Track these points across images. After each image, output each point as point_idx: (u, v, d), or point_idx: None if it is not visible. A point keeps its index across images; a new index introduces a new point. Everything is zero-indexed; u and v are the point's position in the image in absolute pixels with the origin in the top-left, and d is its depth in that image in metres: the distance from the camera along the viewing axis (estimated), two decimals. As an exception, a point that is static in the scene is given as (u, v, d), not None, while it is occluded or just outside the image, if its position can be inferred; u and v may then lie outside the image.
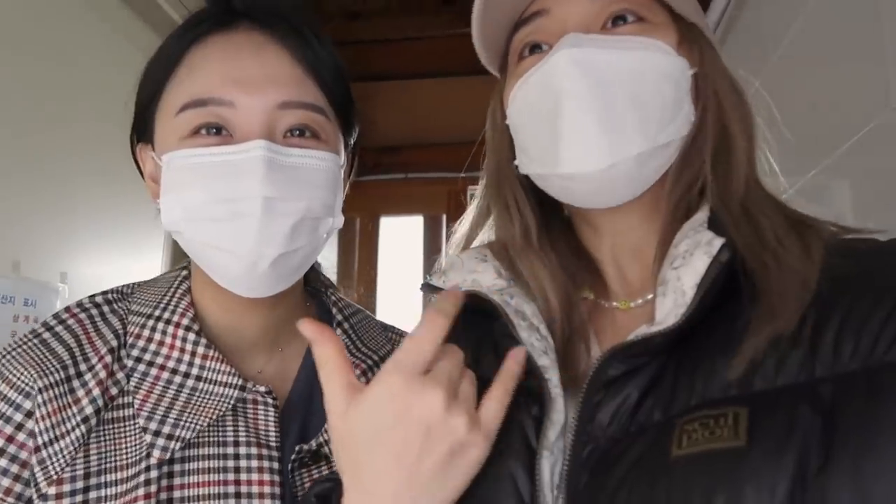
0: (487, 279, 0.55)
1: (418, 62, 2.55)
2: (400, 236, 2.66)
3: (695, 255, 0.46)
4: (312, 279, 0.76)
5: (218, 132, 0.59)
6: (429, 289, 0.58)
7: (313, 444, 0.63)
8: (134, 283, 0.70)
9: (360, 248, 2.64)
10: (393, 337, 0.77)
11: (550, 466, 0.46)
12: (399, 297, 2.57)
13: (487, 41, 0.55)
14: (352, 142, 0.69)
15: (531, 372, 0.49)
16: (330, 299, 0.74)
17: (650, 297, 0.52)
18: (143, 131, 0.65)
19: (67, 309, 0.65)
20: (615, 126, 0.49)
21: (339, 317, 0.72)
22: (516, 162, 0.56)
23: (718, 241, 0.45)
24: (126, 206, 1.33)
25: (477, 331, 0.55)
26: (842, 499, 0.36)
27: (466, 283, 0.55)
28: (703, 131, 0.52)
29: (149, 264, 1.56)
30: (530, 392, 0.48)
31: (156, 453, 0.58)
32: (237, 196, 0.57)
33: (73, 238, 1.23)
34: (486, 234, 0.61)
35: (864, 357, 0.39)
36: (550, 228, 0.58)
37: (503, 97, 0.57)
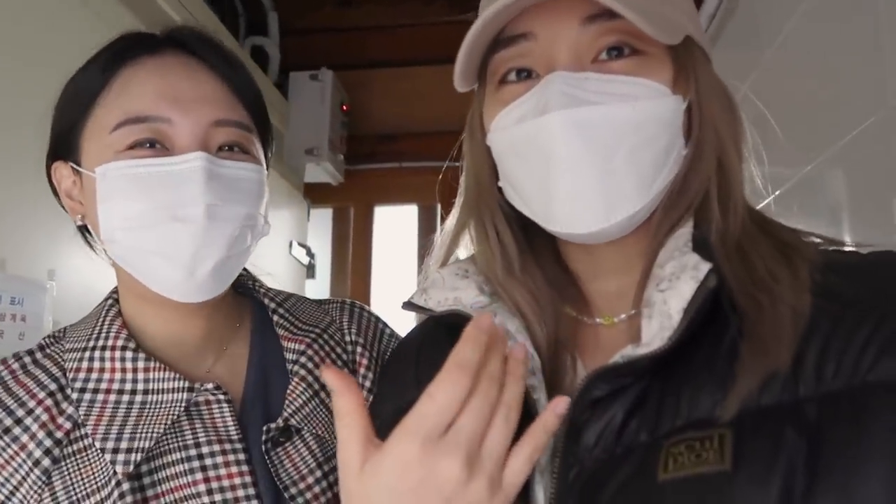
0: (469, 296, 0.54)
1: (412, 49, 2.52)
2: (394, 225, 2.65)
3: (681, 279, 0.45)
4: (238, 277, 0.76)
5: (153, 146, 0.62)
6: (411, 307, 0.57)
7: (280, 421, 0.65)
8: (64, 327, 0.72)
9: (354, 236, 2.63)
10: (328, 307, 0.79)
11: (544, 489, 0.46)
12: (393, 286, 2.57)
13: (468, 60, 0.52)
14: (269, 156, 0.73)
15: None
16: (259, 292, 0.76)
17: (633, 312, 0.52)
18: (64, 149, 0.67)
19: (3, 361, 0.66)
20: (611, 191, 0.47)
21: (273, 304, 0.75)
22: (500, 184, 0.54)
23: (705, 267, 0.45)
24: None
25: None
26: None
27: (448, 301, 0.54)
28: (698, 164, 0.50)
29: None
30: None
31: (119, 469, 0.59)
32: (179, 203, 0.60)
33: (62, 235, 1.21)
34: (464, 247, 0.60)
35: (847, 377, 0.39)
36: (533, 244, 0.56)
37: (483, 113, 0.54)
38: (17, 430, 0.61)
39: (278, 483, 0.63)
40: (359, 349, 0.75)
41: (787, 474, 0.38)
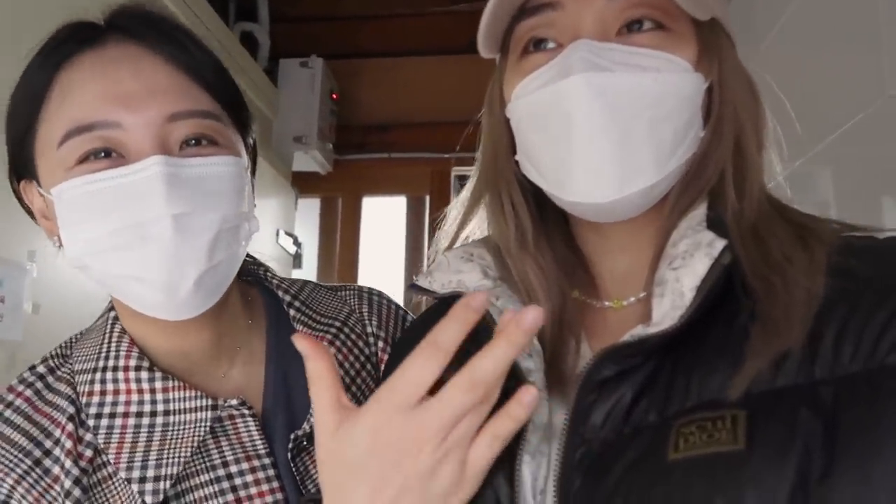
0: (473, 280, 0.54)
1: (405, 40, 2.50)
2: (383, 216, 2.64)
3: (695, 257, 0.44)
4: (244, 267, 0.72)
5: (108, 156, 0.55)
6: (416, 290, 0.56)
7: (306, 427, 0.62)
8: (70, 340, 0.67)
9: (342, 227, 2.61)
10: (344, 295, 0.75)
11: (532, 472, 0.45)
12: (381, 278, 2.55)
13: (492, 28, 0.51)
14: (251, 141, 0.66)
15: (512, 374, 0.47)
16: (272, 282, 0.71)
17: (643, 295, 0.51)
18: (22, 168, 0.60)
19: (11, 388, 0.62)
20: (628, 160, 0.47)
21: (288, 297, 0.70)
22: (517, 157, 0.54)
23: (720, 243, 0.44)
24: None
25: None
26: (846, 503, 0.36)
27: (452, 284, 0.54)
28: (716, 146, 0.50)
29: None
30: (509, 395, 0.47)
31: (148, 500, 0.56)
32: (142, 220, 0.53)
33: (42, 214, 1.19)
34: (476, 223, 0.60)
35: (864, 359, 0.39)
36: (546, 223, 0.56)
37: (503, 85, 0.54)
38: (47, 462, 0.58)
39: (303, 490, 0.61)
40: (380, 343, 0.71)
41: (802, 456, 0.37)
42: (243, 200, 0.60)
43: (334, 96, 2.46)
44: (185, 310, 0.57)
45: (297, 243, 2.46)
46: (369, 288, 0.77)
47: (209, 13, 1.94)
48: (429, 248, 0.63)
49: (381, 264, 2.58)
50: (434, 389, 0.41)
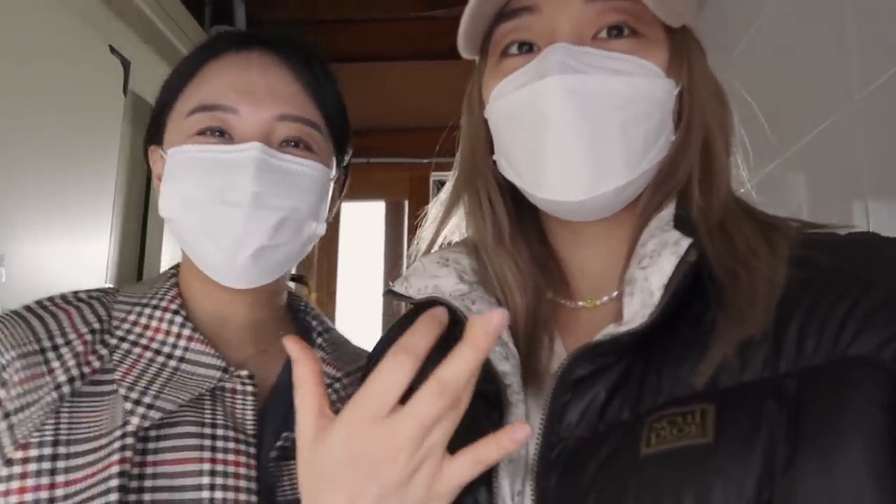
0: (449, 284, 0.54)
1: (383, 44, 2.50)
2: (361, 221, 2.63)
3: (662, 256, 0.45)
4: (289, 298, 0.80)
5: (221, 135, 0.65)
6: (392, 295, 0.57)
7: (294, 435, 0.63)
8: (118, 287, 0.73)
9: (320, 232, 2.59)
10: (363, 355, 0.79)
11: (510, 474, 0.46)
12: (359, 282, 2.54)
13: (472, 31, 0.53)
14: (345, 162, 0.76)
15: (489, 378, 0.48)
16: (310, 313, 0.78)
17: (615, 294, 0.52)
18: (155, 134, 0.71)
19: (51, 298, 0.68)
20: (600, 160, 0.48)
21: (320, 328, 0.77)
22: (494, 157, 0.55)
23: (686, 242, 0.45)
24: (72, 186, 1.26)
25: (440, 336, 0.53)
26: (809, 493, 0.37)
27: (428, 289, 0.55)
28: (685, 150, 0.51)
29: (95, 247, 1.46)
30: (487, 398, 0.47)
31: (134, 420, 0.59)
32: (230, 187, 0.63)
33: (13, 218, 1.17)
34: (455, 223, 0.61)
35: (827, 351, 0.40)
36: (522, 222, 0.57)
37: (482, 86, 0.55)
38: (50, 355, 0.62)
39: (270, 496, 0.62)
40: None
41: (767, 446, 0.38)
42: (318, 203, 0.69)
43: (312, 101, 2.45)
44: (241, 278, 0.66)
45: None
46: None
47: (184, 15, 1.92)
48: (409, 252, 0.64)
49: (360, 269, 2.57)
50: (406, 398, 0.41)
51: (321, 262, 2.56)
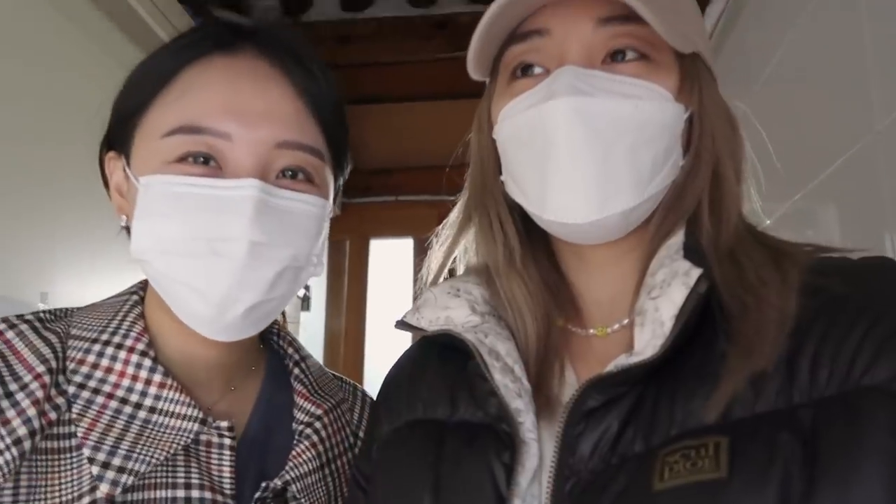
0: (461, 315, 0.54)
1: (408, 85, 2.56)
2: (390, 258, 2.65)
3: (672, 286, 0.45)
4: None
5: (206, 162, 0.55)
6: (403, 326, 0.57)
7: (278, 482, 0.59)
8: (70, 308, 0.63)
9: (349, 270, 2.63)
10: (344, 385, 0.74)
11: None
12: (388, 319, 2.55)
13: (482, 52, 0.53)
14: (341, 183, 0.67)
15: (503, 417, 0.47)
16: (286, 338, 0.70)
17: (626, 322, 0.52)
18: (118, 142, 0.60)
19: None
20: (606, 183, 0.48)
21: (297, 356, 0.69)
22: (503, 178, 0.55)
23: (696, 272, 0.45)
24: (110, 225, 1.31)
25: (452, 367, 0.54)
26: None
27: (440, 321, 0.55)
28: (695, 175, 0.51)
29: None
30: (499, 437, 0.47)
31: (104, 487, 0.51)
32: (221, 236, 0.53)
33: (54, 257, 1.22)
34: (463, 248, 0.60)
35: (840, 381, 0.39)
36: (533, 246, 0.57)
37: (491, 107, 0.55)
38: (3, 403, 0.52)
39: None
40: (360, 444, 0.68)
41: (783, 480, 0.37)
42: (317, 243, 0.60)
43: (341, 141, 2.50)
44: (228, 332, 0.57)
45: (305, 286, 2.47)
46: (364, 391, 0.75)
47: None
48: (419, 275, 0.63)
49: (389, 306, 2.58)
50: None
51: (350, 299, 2.59)
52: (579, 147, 0.47)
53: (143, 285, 0.64)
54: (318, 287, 2.60)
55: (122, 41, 1.51)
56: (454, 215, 0.61)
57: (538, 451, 0.47)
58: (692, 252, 0.47)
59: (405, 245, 2.64)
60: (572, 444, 0.45)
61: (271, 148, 0.56)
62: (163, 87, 0.57)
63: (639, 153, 0.48)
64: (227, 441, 0.58)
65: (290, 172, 0.57)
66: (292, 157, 0.57)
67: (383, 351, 2.51)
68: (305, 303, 2.50)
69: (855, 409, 0.38)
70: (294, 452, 0.61)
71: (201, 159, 0.55)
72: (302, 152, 0.58)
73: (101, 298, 0.65)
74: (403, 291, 2.57)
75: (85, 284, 1.29)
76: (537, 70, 0.51)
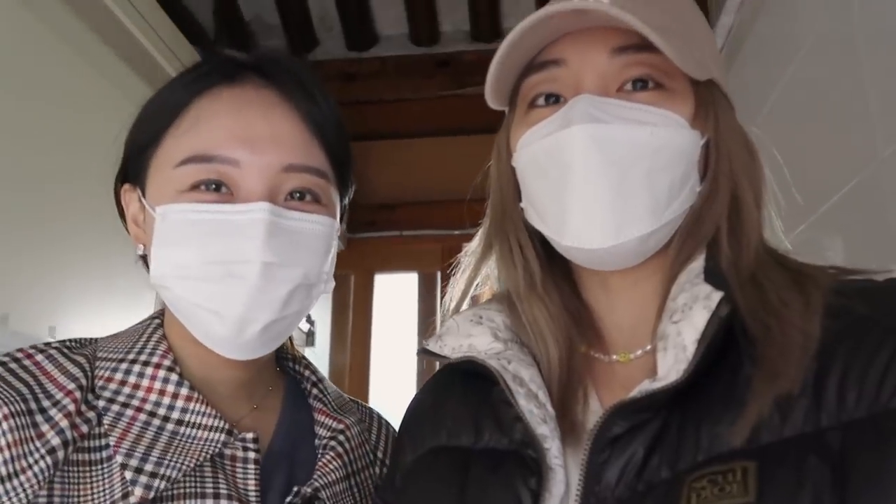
0: (484, 343, 0.54)
1: (412, 122, 2.59)
2: (395, 294, 2.65)
3: (694, 310, 0.45)
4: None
5: (217, 189, 0.58)
6: (426, 354, 0.57)
7: (308, 489, 0.60)
8: (93, 337, 0.66)
9: (354, 305, 2.62)
10: (361, 407, 0.76)
11: None
12: (393, 355, 2.54)
13: (499, 82, 0.54)
14: (346, 202, 0.69)
15: (529, 442, 0.47)
16: (301, 363, 0.72)
17: (648, 347, 0.52)
18: (133, 174, 0.63)
19: (22, 350, 0.60)
20: (623, 209, 0.48)
21: (314, 378, 0.71)
22: (522, 205, 0.56)
23: (717, 295, 0.45)
24: (118, 260, 1.32)
25: (475, 395, 0.54)
26: None
27: (462, 348, 0.55)
28: (713, 200, 0.51)
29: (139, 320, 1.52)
30: (525, 462, 0.47)
31: (138, 491, 0.53)
32: (235, 258, 0.56)
33: (63, 291, 1.23)
34: (485, 274, 0.61)
35: (869, 404, 0.39)
36: (554, 272, 0.57)
37: (510, 136, 0.56)
38: (38, 418, 0.54)
39: None
40: (385, 470, 0.70)
41: (813, 503, 0.37)
42: (326, 260, 0.62)
43: (346, 177, 2.53)
44: (245, 351, 0.59)
45: (309, 321, 2.47)
46: (380, 414, 0.78)
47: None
48: (442, 302, 0.64)
49: (394, 341, 2.58)
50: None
51: (355, 334, 2.58)
52: (595, 173, 0.48)
53: (161, 313, 0.66)
54: (323, 322, 2.59)
55: (131, 75, 1.54)
56: (475, 243, 0.62)
57: (564, 477, 0.46)
58: (713, 276, 0.47)
59: (410, 280, 2.64)
60: (598, 472, 0.45)
61: (279, 171, 0.58)
62: (174, 119, 0.60)
63: (655, 179, 0.49)
64: (252, 454, 0.60)
65: (297, 194, 0.60)
66: (299, 179, 0.60)
67: (388, 386, 2.49)
68: (310, 338, 2.49)
69: (883, 431, 0.38)
70: (321, 462, 0.63)
71: (213, 186, 0.58)
72: (308, 174, 0.60)
73: (107, 333, 0.66)
74: (408, 326, 2.56)
75: (93, 319, 1.30)
76: (554, 99, 0.52)
